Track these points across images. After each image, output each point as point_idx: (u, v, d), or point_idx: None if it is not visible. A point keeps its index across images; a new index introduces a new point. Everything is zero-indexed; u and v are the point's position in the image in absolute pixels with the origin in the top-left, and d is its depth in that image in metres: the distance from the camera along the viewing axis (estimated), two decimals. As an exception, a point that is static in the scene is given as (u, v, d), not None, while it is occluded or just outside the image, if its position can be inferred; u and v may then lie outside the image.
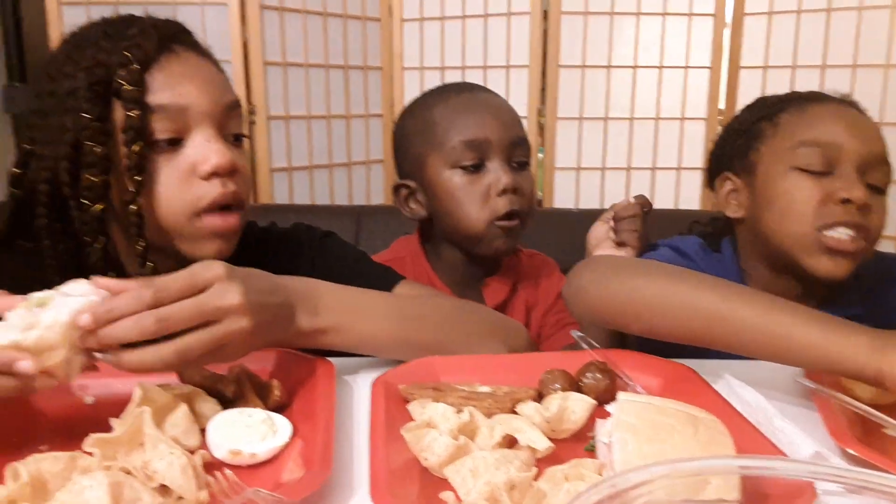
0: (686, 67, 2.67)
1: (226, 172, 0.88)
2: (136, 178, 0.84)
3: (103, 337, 0.64)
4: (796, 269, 1.07)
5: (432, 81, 2.77)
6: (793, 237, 1.06)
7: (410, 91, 2.81)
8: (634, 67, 2.69)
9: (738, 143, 1.17)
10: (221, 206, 0.89)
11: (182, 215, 0.87)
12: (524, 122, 1.47)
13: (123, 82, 0.84)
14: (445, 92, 1.24)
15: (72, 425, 0.69)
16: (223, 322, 0.68)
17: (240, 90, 2.38)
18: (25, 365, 0.61)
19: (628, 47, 2.69)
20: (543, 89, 2.70)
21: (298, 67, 2.58)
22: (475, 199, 1.16)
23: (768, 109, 1.16)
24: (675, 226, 1.37)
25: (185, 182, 0.87)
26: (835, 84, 2.45)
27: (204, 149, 0.87)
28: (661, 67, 2.69)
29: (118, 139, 0.85)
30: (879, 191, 1.07)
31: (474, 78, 2.74)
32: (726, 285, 0.83)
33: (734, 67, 2.64)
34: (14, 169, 0.91)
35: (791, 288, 1.11)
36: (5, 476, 0.57)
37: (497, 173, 1.15)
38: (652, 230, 1.30)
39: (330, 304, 0.82)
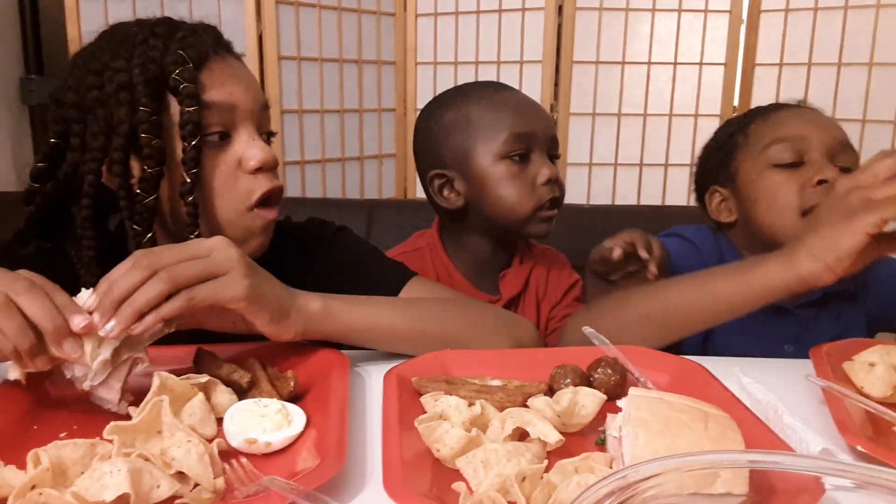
0: (701, 64, 2.66)
1: (270, 168, 0.92)
2: (192, 170, 0.87)
3: (103, 295, 0.69)
4: None
5: (445, 76, 2.80)
6: (782, 228, 1.15)
7: (423, 86, 2.81)
8: (649, 64, 2.68)
9: (718, 158, 1.28)
10: (269, 200, 0.93)
11: (236, 208, 0.91)
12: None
13: (180, 79, 0.87)
14: (485, 88, 1.29)
15: (91, 413, 0.71)
16: (211, 255, 0.73)
17: (254, 84, 2.39)
18: (79, 320, 0.67)
19: (643, 43, 2.68)
20: (556, 85, 2.70)
21: (313, 62, 2.59)
22: (522, 188, 1.21)
23: (738, 125, 1.27)
24: (687, 223, 1.37)
25: (233, 175, 0.91)
26: (851, 82, 2.46)
27: (249, 145, 0.91)
28: (675, 64, 2.67)
29: (173, 133, 0.88)
30: (849, 172, 1.13)
31: (488, 73, 2.74)
32: (667, 285, 0.97)
33: (749, 64, 2.62)
34: (39, 163, 0.91)
35: None
36: (26, 462, 0.58)
37: (541, 164, 1.22)
38: (663, 229, 1.31)
39: (330, 295, 0.85)
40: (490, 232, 1.28)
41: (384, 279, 1.00)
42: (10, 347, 0.66)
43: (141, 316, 0.69)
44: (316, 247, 1.07)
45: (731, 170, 1.24)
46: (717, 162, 1.28)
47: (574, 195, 2.74)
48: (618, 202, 2.73)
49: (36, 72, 2.74)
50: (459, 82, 1.35)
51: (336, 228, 1.10)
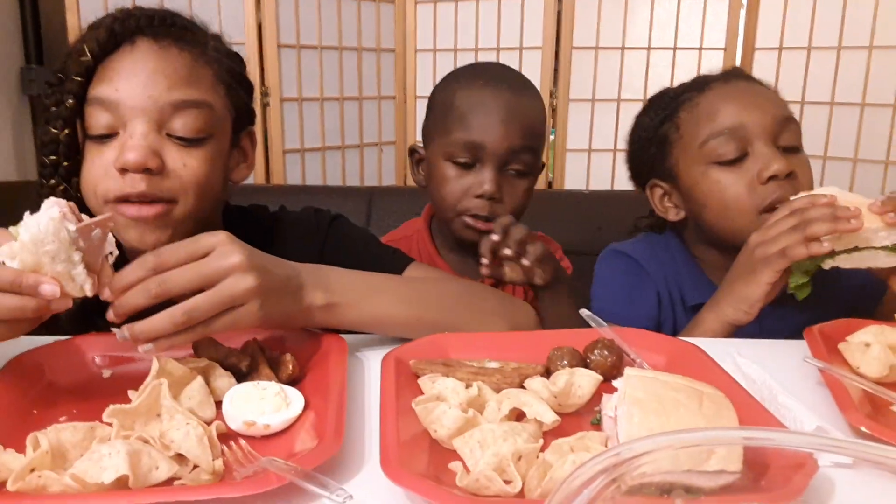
0: (700, 49, 2.65)
1: (136, 170, 0.86)
2: (64, 162, 0.89)
3: (116, 308, 0.69)
4: None
5: (445, 63, 2.79)
6: (740, 230, 1.05)
7: (423, 73, 2.81)
8: (648, 49, 2.67)
9: (651, 151, 1.18)
10: (139, 199, 0.88)
11: (96, 201, 0.89)
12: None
13: (71, 73, 0.88)
14: (477, 79, 1.22)
15: (90, 398, 0.72)
16: (227, 281, 0.71)
17: (254, 72, 2.38)
18: (48, 289, 0.64)
19: (643, 28, 2.67)
20: (556, 71, 2.69)
21: (312, 49, 2.59)
22: (454, 191, 1.19)
23: (665, 111, 1.16)
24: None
25: (105, 172, 0.88)
26: (851, 66, 2.45)
27: (124, 144, 0.87)
28: (675, 49, 2.67)
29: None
30: (795, 149, 1.08)
31: (487, 59, 2.72)
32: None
33: (749, 49, 2.61)
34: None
35: None
36: (26, 445, 0.58)
37: (482, 178, 1.17)
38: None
39: (340, 282, 0.84)
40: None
41: (382, 266, 1.00)
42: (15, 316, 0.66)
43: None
44: (312, 236, 1.07)
45: (668, 166, 1.15)
46: (653, 155, 1.18)
47: (573, 181, 2.74)
48: (616, 188, 2.73)
49: (36, 62, 2.73)
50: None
51: (332, 217, 1.10)
